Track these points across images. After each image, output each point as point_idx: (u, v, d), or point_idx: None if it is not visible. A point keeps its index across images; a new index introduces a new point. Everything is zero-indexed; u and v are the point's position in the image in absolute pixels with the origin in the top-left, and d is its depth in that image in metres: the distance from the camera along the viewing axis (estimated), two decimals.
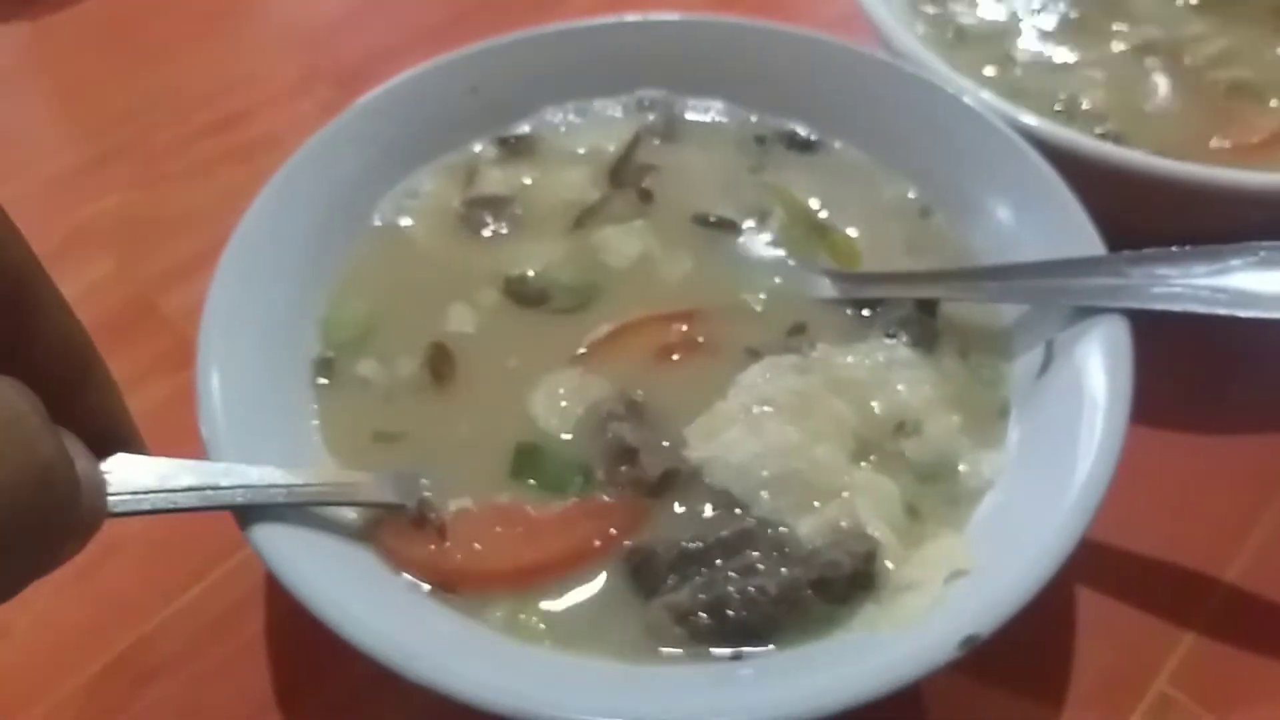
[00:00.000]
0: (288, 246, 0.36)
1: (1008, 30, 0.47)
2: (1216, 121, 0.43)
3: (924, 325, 0.36)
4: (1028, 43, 0.46)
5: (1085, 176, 0.37)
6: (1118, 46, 0.46)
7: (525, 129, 0.43)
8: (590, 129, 0.43)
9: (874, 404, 0.34)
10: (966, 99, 0.39)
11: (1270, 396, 0.41)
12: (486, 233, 0.40)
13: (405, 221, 0.40)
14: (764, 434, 0.32)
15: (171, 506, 0.26)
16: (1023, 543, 0.29)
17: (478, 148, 0.42)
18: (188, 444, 0.32)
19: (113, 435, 0.25)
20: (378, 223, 0.40)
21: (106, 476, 0.24)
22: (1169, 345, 0.34)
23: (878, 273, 0.38)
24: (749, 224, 0.40)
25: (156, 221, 0.49)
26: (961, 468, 0.33)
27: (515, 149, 0.42)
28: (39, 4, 0.60)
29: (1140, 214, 0.38)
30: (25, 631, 0.36)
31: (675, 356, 0.35)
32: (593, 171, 0.42)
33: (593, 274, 0.38)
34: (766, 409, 0.33)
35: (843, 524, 0.31)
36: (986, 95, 0.40)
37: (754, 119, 0.43)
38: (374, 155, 0.40)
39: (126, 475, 0.25)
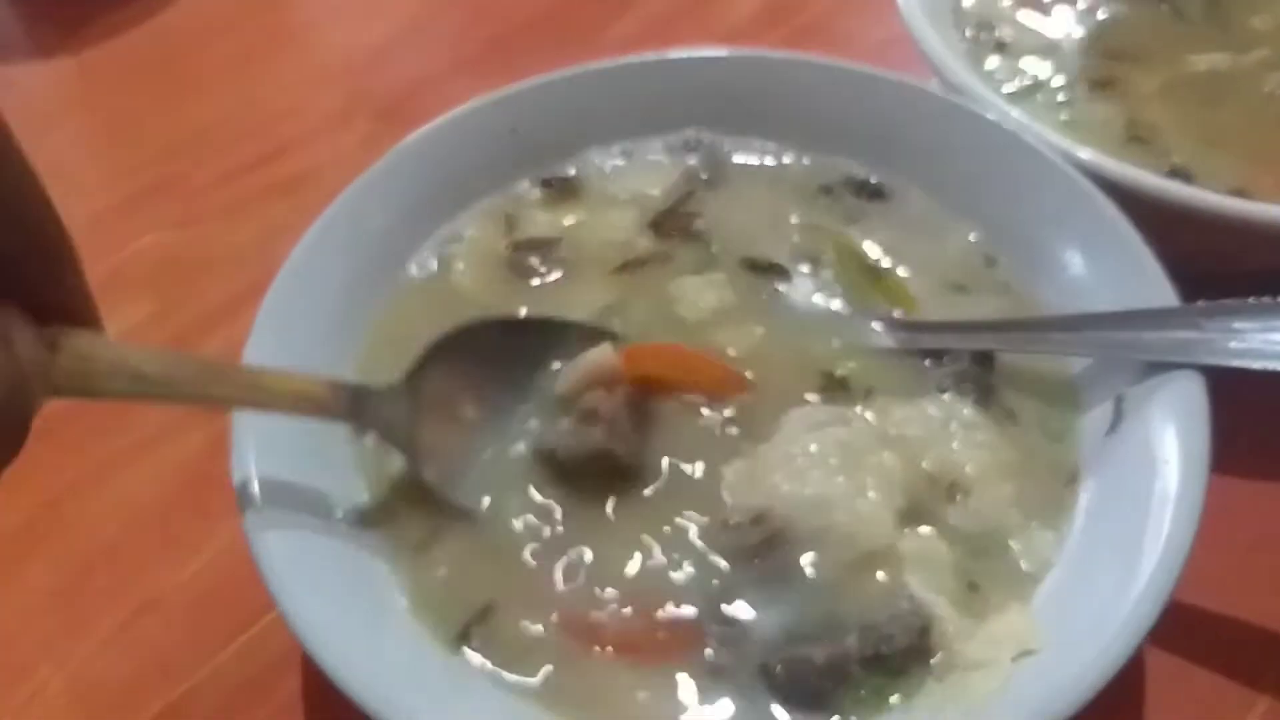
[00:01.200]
0: (323, 302, 0.36)
1: (1054, 51, 0.45)
2: None
3: (980, 380, 0.34)
4: (1080, 66, 0.44)
5: (1153, 215, 0.35)
6: (1183, 71, 0.44)
7: (570, 171, 0.42)
8: (635, 172, 0.42)
9: (924, 463, 0.32)
10: (1027, 137, 0.38)
11: None
12: (535, 281, 0.39)
13: (449, 269, 0.39)
14: (807, 482, 0.31)
15: (133, 390, 0.26)
16: (1095, 621, 0.27)
17: (520, 189, 0.41)
18: (225, 492, 0.32)
19: (78, 311, 0.24)
20: (415, 272, 0.39)
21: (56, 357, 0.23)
22: (1242, 390, 0.32)
23: (935, 322, 0.36)
24: (802, 269, 0.38)
25: (197, 261, 0.49)
26: (1013, 544, 0.31)
27: (559, 191, 0.41)
28: (81, 39, 0.60)
29: (1213, 254, 0.36)
30: (60, 691, 0.35)
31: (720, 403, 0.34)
32: (639, 215, 0.40)
33: (662, 320, 0.37)
34: (811, 455, 0.32)
35: (895, 592, 0.30)
36: (1047, 132, 0.38)
37: (806, 161, 0.42)
38: (411, 202, 0.39)
39: (79, 354, 0.24)
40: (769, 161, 0.42)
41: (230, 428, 0.32)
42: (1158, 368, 0.32)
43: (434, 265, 0.39)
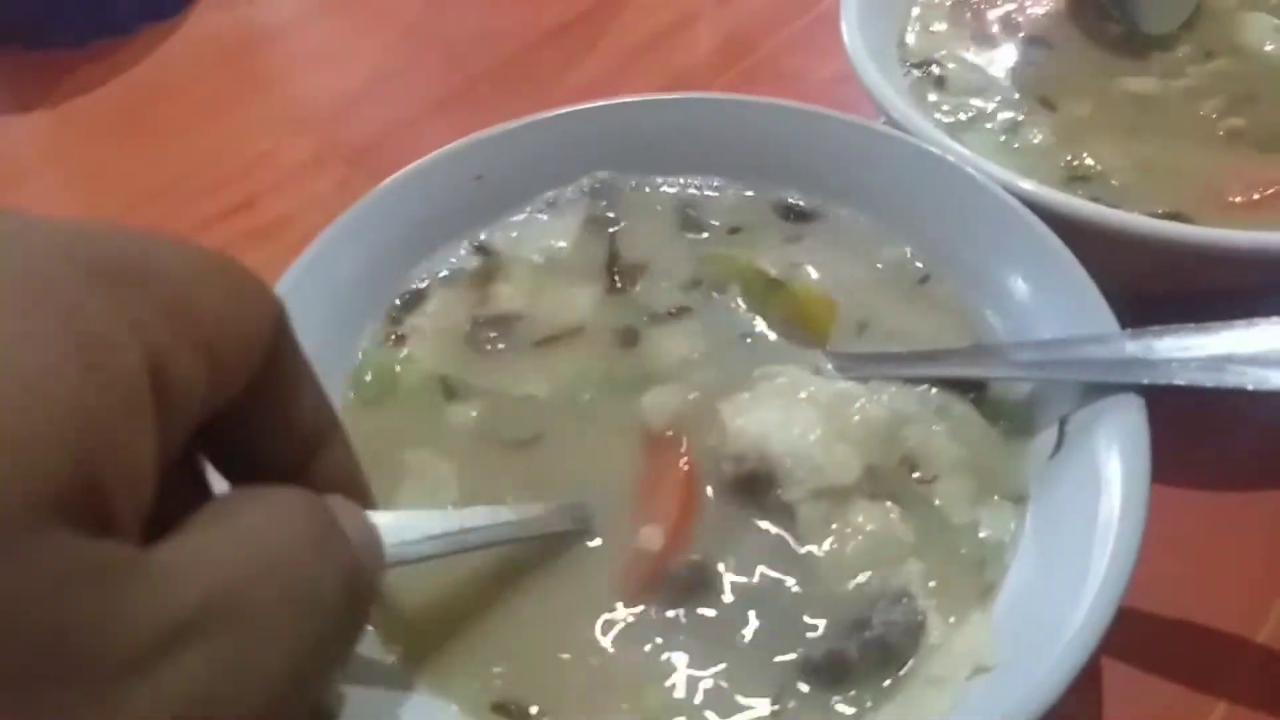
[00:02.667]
0: None
1: (993, 85, 0.47)
2: (1231, 174, 0.42)
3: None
4: (1015, 94, 0.46)
5: (1091, 241, 0.37)
6: (1116, 95, 0.46)
7: (491, 234, 0.42)
8: (543, 227, 0.42)
9: (903, 434, 0.34)
10: (966, 168, 0.39)
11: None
12: (494, 354, 0.39)
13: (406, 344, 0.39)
14: (792, 416, 0.33)
15: (431, 553, 0.27)
16: (1045, 636, 0.28)
17: (457, 257, 0.42)
18: None
19: (356, 489, 0.25)
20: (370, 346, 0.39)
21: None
22: (1187, 407, 0.33)
23: (877, 353, 0.37)
24: (712, 297, 0.39)
25: None
26: (982, 534, 0.33)
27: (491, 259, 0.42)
28: (60, 91, 0.61)
29: (1151, 277, 0.38)
30: None
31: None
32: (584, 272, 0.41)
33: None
34: (804, 396, 0.34)
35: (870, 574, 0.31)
36: (987, 164, 0.40)
37: (749, 192, 0.43)
38: (380, 254, 0.40)
39: (385, 527, 0.25)
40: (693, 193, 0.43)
41: None
42: (1098, 390, 0.33)
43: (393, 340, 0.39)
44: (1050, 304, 0.36)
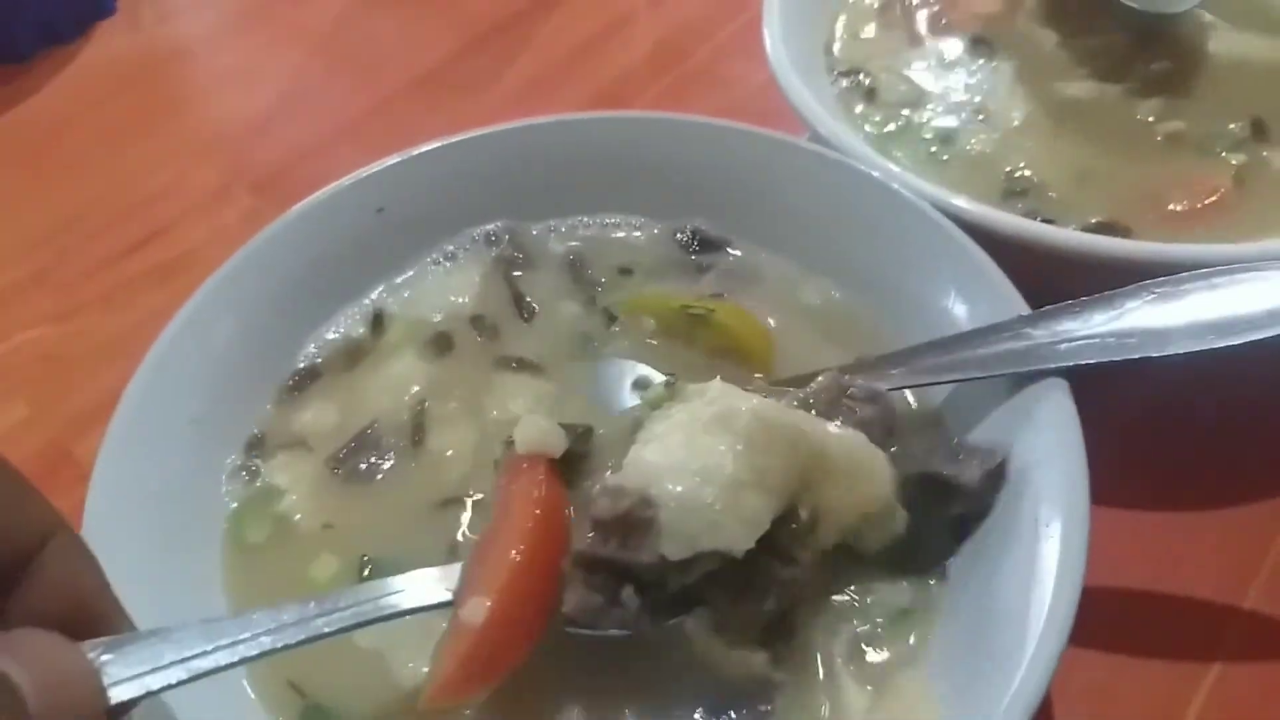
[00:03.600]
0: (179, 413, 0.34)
1: (924, 94, 0.45)
2: (1171, 180, 0.40)
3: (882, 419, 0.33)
4: (948, 102, 0.44)
5: (1019, 256, 0.35)
6: (1060, 101, 0.44)
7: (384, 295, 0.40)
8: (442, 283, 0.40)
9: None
10: (893, 185, 0.37)
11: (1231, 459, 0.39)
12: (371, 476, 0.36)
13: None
14: (702, 448, 0.28)
15: (187, 676, 0.22)
16: (990, 685, 0.27)
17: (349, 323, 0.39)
18: None
19: (88, 610, 0.22)
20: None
21: (103, 664, 0.21)
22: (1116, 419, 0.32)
23: (800, 376, 0.35)
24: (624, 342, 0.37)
25: (73, 357, 0.47)
26: (904, 584, 0.31)
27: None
28: None
29: (1085, 286, 0.36)
30: None
31: None
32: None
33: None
34: (723, 423, 0.29)
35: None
36: (914, 178, 0.38)
37: (655, 230, 0.41)
38: (276, 299, 0.38)
39: (124, 658, 0.22)
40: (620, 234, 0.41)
41: None
42: (1020, 382, 0.32)
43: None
44: (975, 317, 0.34)
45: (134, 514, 0.32)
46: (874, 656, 0.30)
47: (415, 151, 0.40)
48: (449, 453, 0.35)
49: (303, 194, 0.52)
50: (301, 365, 0.38)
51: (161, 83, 0.60)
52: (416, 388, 0.37)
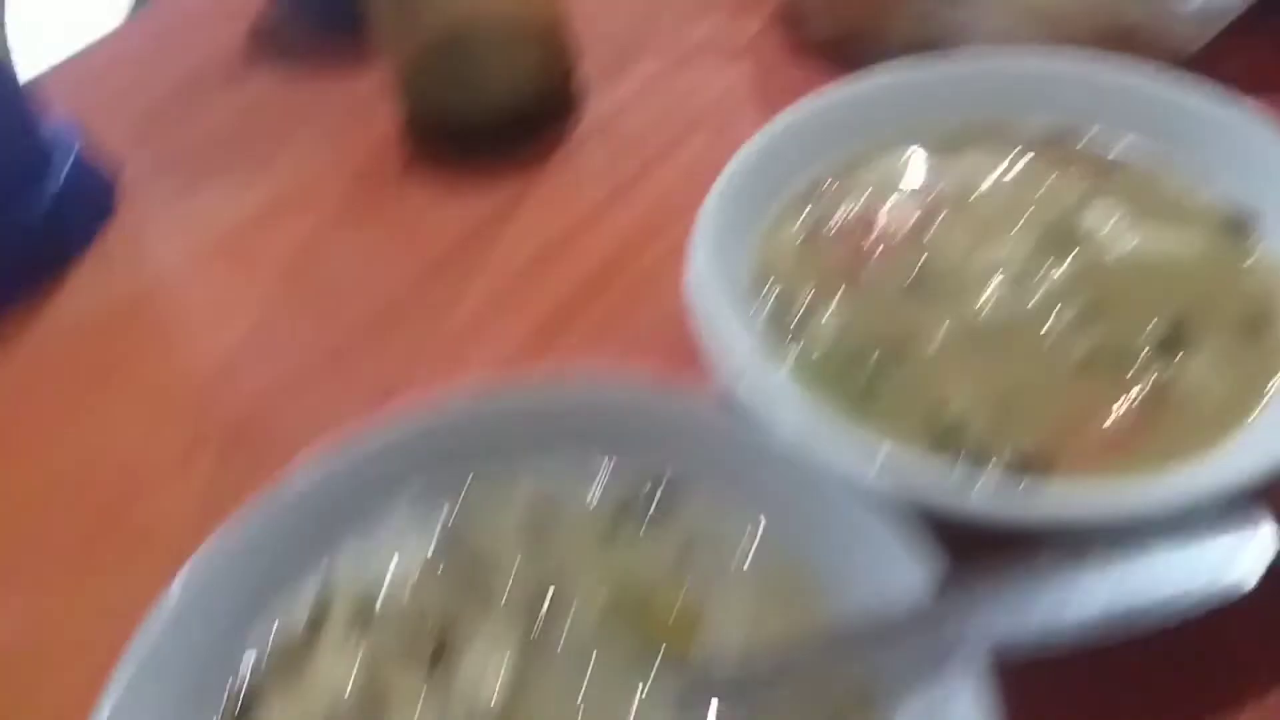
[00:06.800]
0: None
1: (852, 327, 0.46)
2: (1091, 403, 0.42)
3: None
4: (878, 336, 0.45)
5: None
6: (976, 323, 0.45)
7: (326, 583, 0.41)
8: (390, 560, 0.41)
9: None
10: (808, 459, 0.39)
11: None
12: None
13: None
14: None
15: None
16: None
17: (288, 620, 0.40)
18: None
19: None
20: None
21: None
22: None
23: (725, 665, 0.36)
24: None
25: (39, 654, 0.47)
26: None
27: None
28: None
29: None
30: None
31: None
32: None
33: None
34: None
35: None
36: (835, 440, 0.39)
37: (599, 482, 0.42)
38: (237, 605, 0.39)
39: None
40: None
41: None
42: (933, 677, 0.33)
43: None
44: (889, 591, 0.36)
45: None
46: None
47: (363, 449, 0.42)
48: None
49: (272, 448, 0.54)
50: (248, 680, 0.39)
51: (126, 333, 0.61)
52: (356, 670, 0.38)
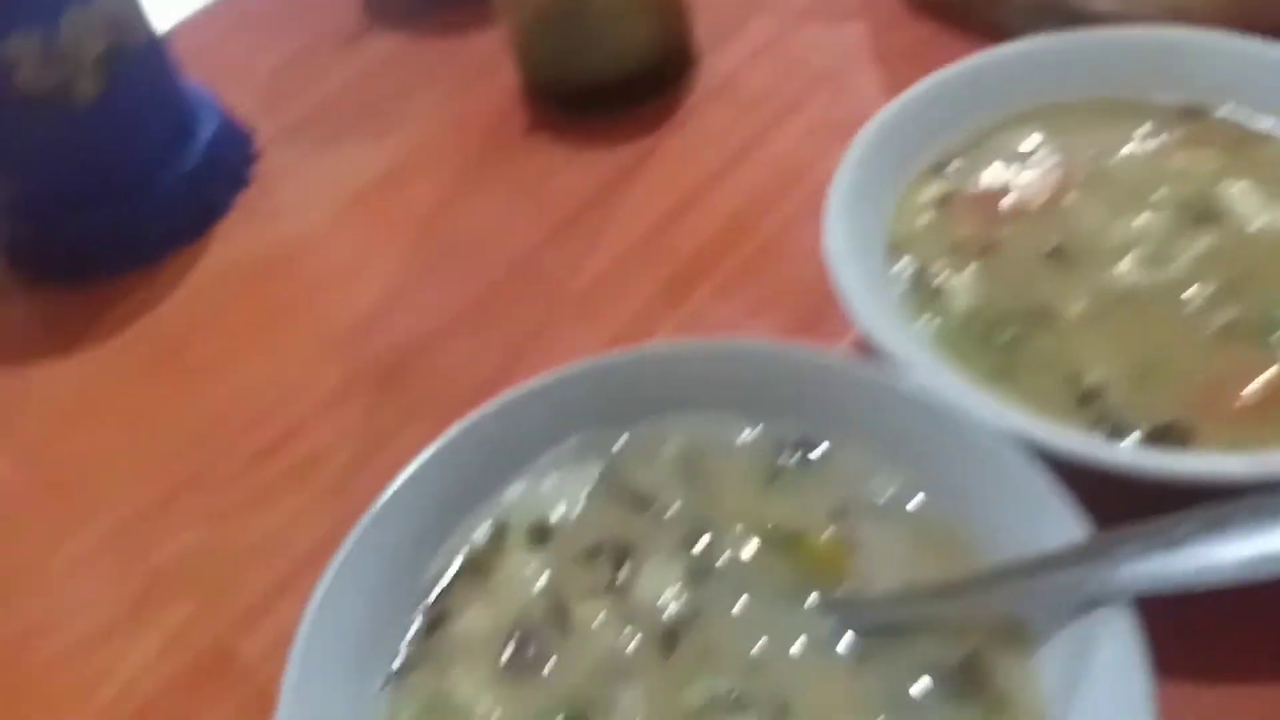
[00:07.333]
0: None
1: (990, 294, 0.47)
2: (1231, 373, 0.43)
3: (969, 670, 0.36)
4: (1016, 305, 0.47)
5: (1084, 473, 0.38)
6: (1114, 292, 0.46)
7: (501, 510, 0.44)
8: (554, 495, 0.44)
9: None
10: (943, 405, 0.41)
11: None
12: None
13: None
14: None
15: None
16: None
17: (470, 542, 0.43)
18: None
19: None
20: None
21: None
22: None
23: (874, 600, 0.39)
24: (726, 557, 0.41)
25: (228, 555, 0.52)
26: None
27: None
28: (95, 331, 0.64)
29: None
30: None
31: None
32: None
33: None
34: None
35: None
36: (980, 399, 0.41)
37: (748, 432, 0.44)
38: (430, 518, 0.42)
39: None
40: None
41: None
42: (1091, 606, 0.35)
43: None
44: (1037, 538, 0.37)
45: None
46: None
47: (527, 389, 0.45)
48: (592, 626, 0.40)
49: (419, 388, 0.58)
50: (437, 583, 0.42)
51: (276, 282, 0.66)
52: (539, 578, 0.42)
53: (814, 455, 0.43)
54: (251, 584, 0.51)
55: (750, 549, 0.41)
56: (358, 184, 0.70)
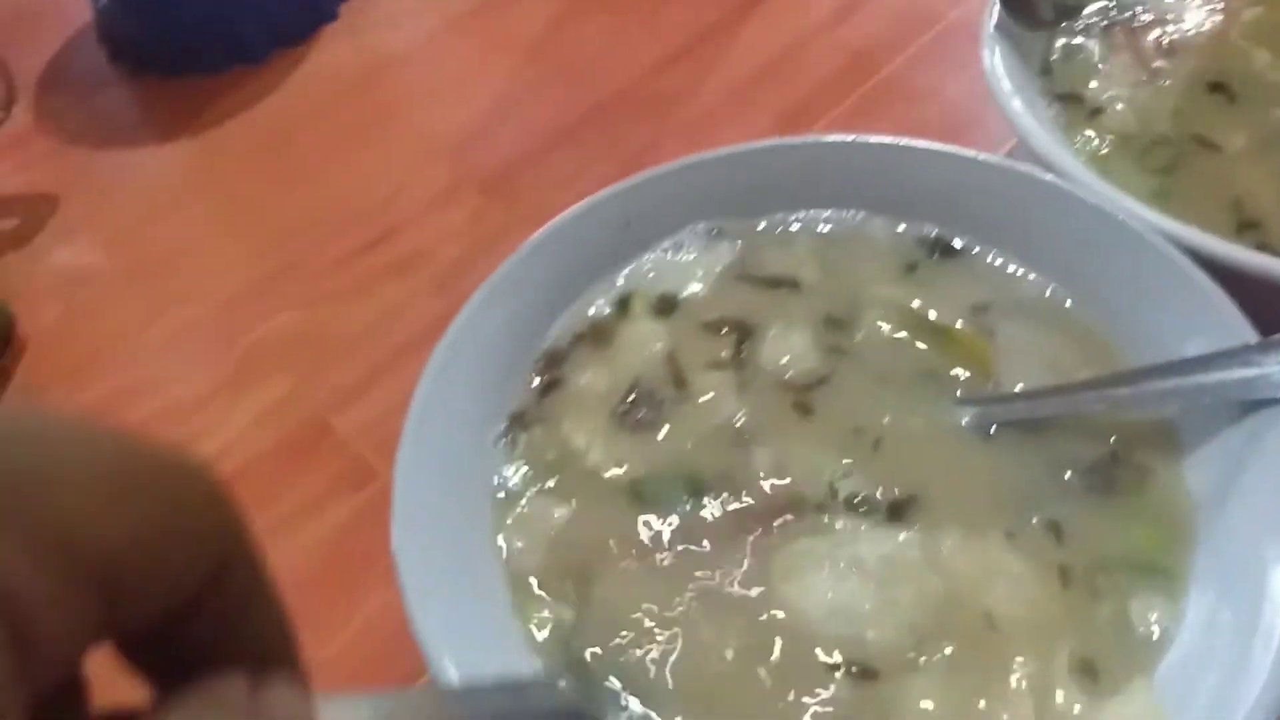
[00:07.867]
0: (464, 400, 0.38)
1: (1146, 121, 0.46)
2: None
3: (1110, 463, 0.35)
4: (1173, 133, 0.45)
5: (1246, 289, 0.36)
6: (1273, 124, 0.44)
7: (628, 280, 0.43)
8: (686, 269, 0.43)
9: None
10: (1107, 207, 0.39)
11: None
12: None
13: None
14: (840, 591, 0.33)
15: None
16: (1217, 704, 0.29)
17: (595, 307, 0.42)
18: (374, 563, 0.35)
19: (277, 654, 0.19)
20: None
21: None
22: None
23: (1016, 393, 0.37)
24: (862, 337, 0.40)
25: (325, 339, 0.52)
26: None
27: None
28: (197, 122, 0.63)
29: None
30: None
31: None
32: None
33: None
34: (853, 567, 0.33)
35: None
36: (1134, 203, 0.39)
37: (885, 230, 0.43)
38: (541, 297, 0.41)
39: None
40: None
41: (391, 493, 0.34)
42: (1255, 408, 0.33)
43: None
44: (1201, 341, 0.36)
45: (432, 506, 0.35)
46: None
47: (656, 172, 0.43)
48: (710, 394, 0.39)
49: (526, 196, 0.57)
50: (557, 346, 0.42)
51: (383, 88, 0.65)
52: (661, 344, 0.41)
53: (956, 248, 0.42)
54: (347, 368, 0.50)
55: (889, 329, 0.40)
56: (469, 2, 0.68)
